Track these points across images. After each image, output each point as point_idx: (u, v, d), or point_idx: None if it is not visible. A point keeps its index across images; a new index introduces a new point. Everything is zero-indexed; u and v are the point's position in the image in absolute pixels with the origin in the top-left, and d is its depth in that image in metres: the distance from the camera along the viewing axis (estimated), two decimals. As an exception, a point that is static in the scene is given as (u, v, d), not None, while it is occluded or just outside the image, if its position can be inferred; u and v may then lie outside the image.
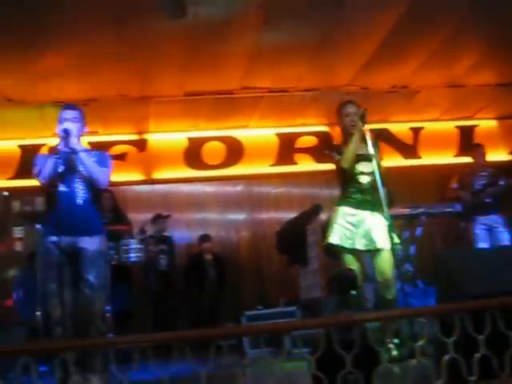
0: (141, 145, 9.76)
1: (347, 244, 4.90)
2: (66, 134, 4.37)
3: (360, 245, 4.89)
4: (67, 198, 4.50)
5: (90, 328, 4.39)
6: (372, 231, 4.88)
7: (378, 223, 4.88)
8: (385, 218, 4.77)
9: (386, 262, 4.82)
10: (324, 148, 5.29)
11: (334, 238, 4.93)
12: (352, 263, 4.90)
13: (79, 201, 4.52)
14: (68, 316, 4.31)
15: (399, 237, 5.14)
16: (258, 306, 7.83)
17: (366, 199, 4.98)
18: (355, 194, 5.02)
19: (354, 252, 4.92)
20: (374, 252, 4.90)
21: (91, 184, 4.57)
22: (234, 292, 9.19)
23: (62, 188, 4.51)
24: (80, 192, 4.54)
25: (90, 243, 4.48)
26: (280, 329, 2.52)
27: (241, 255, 9.90)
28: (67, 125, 4.45)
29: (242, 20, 6.56)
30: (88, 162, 4.51)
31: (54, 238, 4.42)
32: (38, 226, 6.88)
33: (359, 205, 4.98)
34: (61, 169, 4.38)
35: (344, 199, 5.07)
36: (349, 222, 4.94)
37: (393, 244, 4.68)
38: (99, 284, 4.46)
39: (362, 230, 4.91)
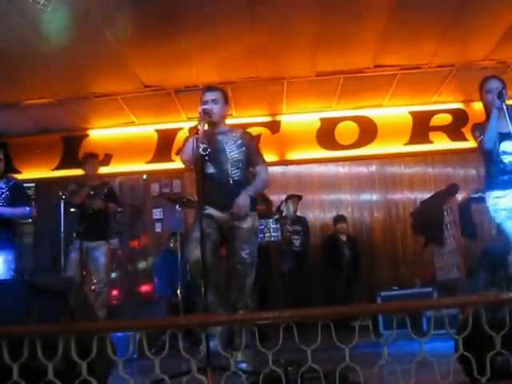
0: (274, 126, 9.87)
1: (507, 224, 4.77)
2: (206, 114, 4.46)
3: None
4: (217, 179, 4.58)
5: (237, 304, 4.53)
6: None
7: None
8: None
9: None
10: (472, 128, 5.06)
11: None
12: None
13: (230, 181, 4.59)
14: (216, 291, 4.44)
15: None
16: (394, 287, 7.78)
17: None
18: (500, 176, 4.83)
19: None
20: None
21: (240, 163, 4.68)
22: (369, 273, 9.18)
23: (210, 170, 4.60)
24: (230, 172, 4.63)
25: (244, 221, 4.59)
26: (424, 306, 2.49)
27: (375, 236, 9.83)
28: (207, 106, 4.57)
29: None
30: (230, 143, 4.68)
31: (209, 211, 4.54)
32: (178, 208, 7.17)
33: (506, 185, 4.80)
34: (204, 150, 4.46)
35: (490, 183, 4.91)
36: (501, 204, 4.81)
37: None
38: (251, 260, 4.59)
39: None
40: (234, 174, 4.63)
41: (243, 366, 4.11)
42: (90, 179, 7.67)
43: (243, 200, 4.50)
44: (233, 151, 4.66)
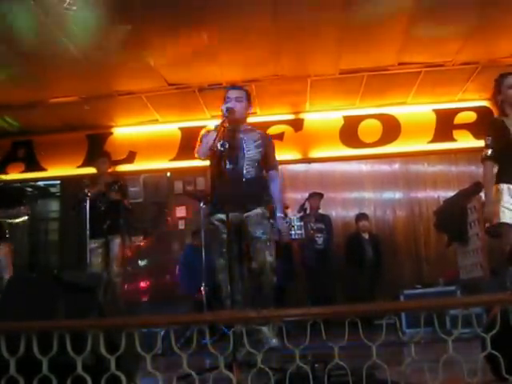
0: (297, 124, 9.86)
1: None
2: (229, 112, 4.49)
3: None
4: (234, 175, 4.63)
5: (261, 277, 4.57)
6: None
7: None
8: None
9: None
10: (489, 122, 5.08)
11: (500, 216, 4.76)
12: None
13: (247, 177, 4.69)
14: (236, 290, 4.48)
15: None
16: (417, 285, 7.74)
17: None
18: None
19: None
20: None
21: (255, 162, 4.75)
22: (392, 271, 9.13)
23: (228, 166, 4.63)
24: (244, 169, 4.71)
25: (254, 211, 4.72)
26: (454, 304, 2.48)
27: (397, 234, 9.79)
28: (230, 104, 4.61)
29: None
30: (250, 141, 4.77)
31: (220, 216, 4.61)
32: (202, 205, 7.19)
33: None
34: (223, 146, 4.51)
35: (503, 175, 4.87)
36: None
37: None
38: (267, 238, 4.68)
39: None
40: (248, 172, 4.73)
41: (273, 341, 4.15)
42: (103, 177, 7.81)
43: (281, 224, 4.89)
44: (251, 150, 4.76)
